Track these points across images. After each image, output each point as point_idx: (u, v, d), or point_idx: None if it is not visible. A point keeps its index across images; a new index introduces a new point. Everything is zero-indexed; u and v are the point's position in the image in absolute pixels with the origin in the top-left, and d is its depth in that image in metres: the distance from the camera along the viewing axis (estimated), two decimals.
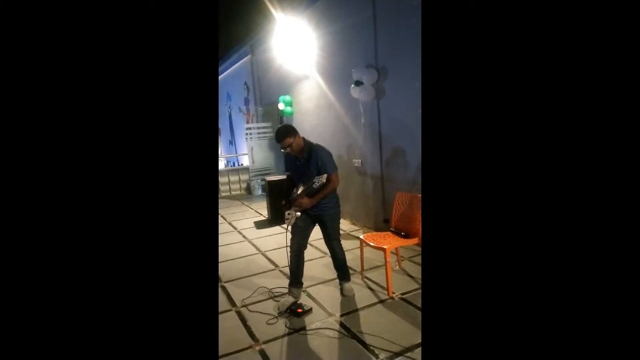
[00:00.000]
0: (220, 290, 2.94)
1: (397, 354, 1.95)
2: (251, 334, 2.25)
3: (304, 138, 2.48)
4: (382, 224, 4.16)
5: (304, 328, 2.29)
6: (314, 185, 2.30)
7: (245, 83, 8.60)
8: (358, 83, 3.86)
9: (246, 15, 7.51)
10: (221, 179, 7.62)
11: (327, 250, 2.73)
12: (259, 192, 7.42)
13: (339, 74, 4.60)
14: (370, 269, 3.07)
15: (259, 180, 7.38)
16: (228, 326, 2.37)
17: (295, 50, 5.45)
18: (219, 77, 10.67)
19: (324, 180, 2.29)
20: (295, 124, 6.13)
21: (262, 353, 2.06)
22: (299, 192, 2.43)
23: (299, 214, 2.44)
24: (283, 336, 2.21)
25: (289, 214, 2.51)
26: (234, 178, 7.76)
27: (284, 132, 2.39)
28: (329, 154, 2.44)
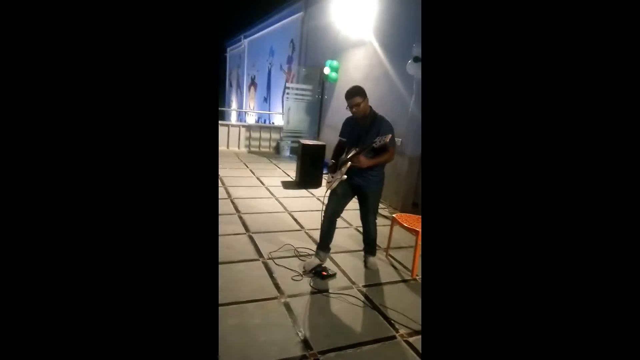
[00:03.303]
0: (248, 240, 3.03)
1: (417, 332, 1.99)
2: (277, 286, 2.33)
3: (370, 106, 2.44)
4: (410, 206, 4.14)
5: (327, 290, 2.35)
6: (374, 145, 2.23)
7: (292, 41, 8.42)
8: (417, 59, 3.71)
9: None
10: (252, 134, 7.67)
11: (353, 222, 2.74)
12: (287, 153, 7.45)
13: (396, 45, 4.43)
14: (395, 248, 3.09)
15: (290, 142, 7.39)
16: (255, 274, 2.45)
17: (352, 13, 5.25)
18: (265, 31, 10.48)
19: (387, 140, 2.22)
20: (338, 91, 6.04)
21: (287, 306, 2.13)
22: (352, 154, 2.39)
23: (345, 177, 2.42)
24: (307, 294, 2.29)
25: (332, 177, 2.51)
26: (264, 135, 7.78)
27: (355, 91, 2.36)
28: (391, 127, 2.38)
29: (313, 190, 4.79)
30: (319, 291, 2.33)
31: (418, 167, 4.07)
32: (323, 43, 6.56)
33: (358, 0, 5.07)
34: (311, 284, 2.40)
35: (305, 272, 2.52)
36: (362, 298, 2.30)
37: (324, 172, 4.68)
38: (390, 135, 2.25)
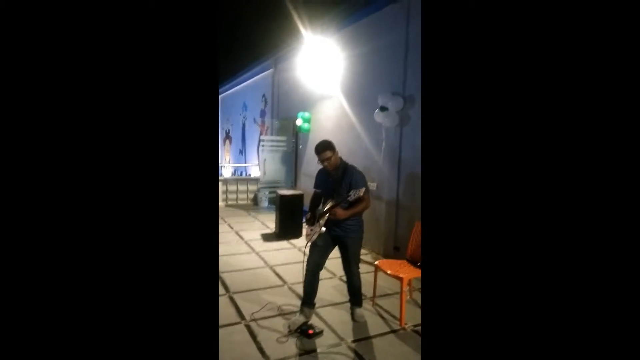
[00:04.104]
0: (228, 301, 2.90)
1: None
2: (261, 351, 2.20)
3: (340, 157, 2.51)
4: (391, 250, 4.12)
5: (314, 350, 2.24)
6: (349, 198, 2.28)
7: (264, 95, 8.71)
8: (383, 109, 3.91)
9: (274, 31, 7.68)
10: (229, 188, 7.62)
11: (337, 272, 2.70)
12: (266, 204, 7.40)
13: (363, 97, 4.66)
14: (381, 296, 3.03)
15: (267, 192, 7.38)
16: (238, 340, 2.32)
17: (320, 68, 5.54)
18: (238, 87, 10.83)
19: (361, 194, 2.28)
20: (311, 141, 6.19)
21: None
22: (328, 206, 2.41)
23: (323, 229, 2.41)
24: (294, 356, 2.16)
25: (311, 229, 2.49)
26: (242, 187, 7.75)
27: (325, 146, 2.44)
28: (363, 176, 2.46)
29: (294, 241, 4.72)
30: (307, 352, 2.22)
31: (396, 211, 4.12)
32: (294, 96, 6.82)
33: (324, 58, 5.38)
34: (298, 345, 2.28)
35: (291, 332, 2.41)
36: (352, 355, 2.20)
37: (304, 221, 4.66)
38: (364, 189, 2.30)
